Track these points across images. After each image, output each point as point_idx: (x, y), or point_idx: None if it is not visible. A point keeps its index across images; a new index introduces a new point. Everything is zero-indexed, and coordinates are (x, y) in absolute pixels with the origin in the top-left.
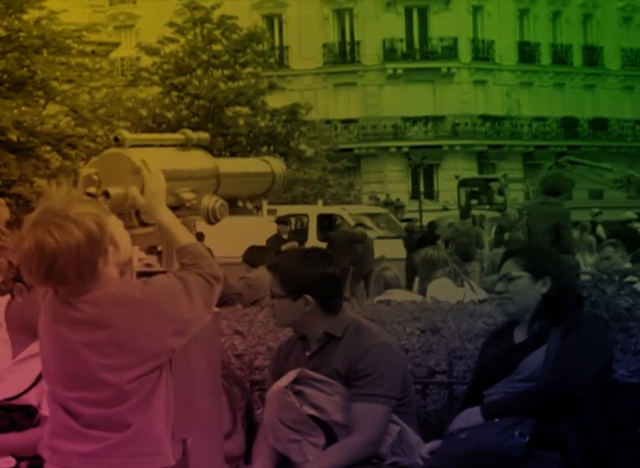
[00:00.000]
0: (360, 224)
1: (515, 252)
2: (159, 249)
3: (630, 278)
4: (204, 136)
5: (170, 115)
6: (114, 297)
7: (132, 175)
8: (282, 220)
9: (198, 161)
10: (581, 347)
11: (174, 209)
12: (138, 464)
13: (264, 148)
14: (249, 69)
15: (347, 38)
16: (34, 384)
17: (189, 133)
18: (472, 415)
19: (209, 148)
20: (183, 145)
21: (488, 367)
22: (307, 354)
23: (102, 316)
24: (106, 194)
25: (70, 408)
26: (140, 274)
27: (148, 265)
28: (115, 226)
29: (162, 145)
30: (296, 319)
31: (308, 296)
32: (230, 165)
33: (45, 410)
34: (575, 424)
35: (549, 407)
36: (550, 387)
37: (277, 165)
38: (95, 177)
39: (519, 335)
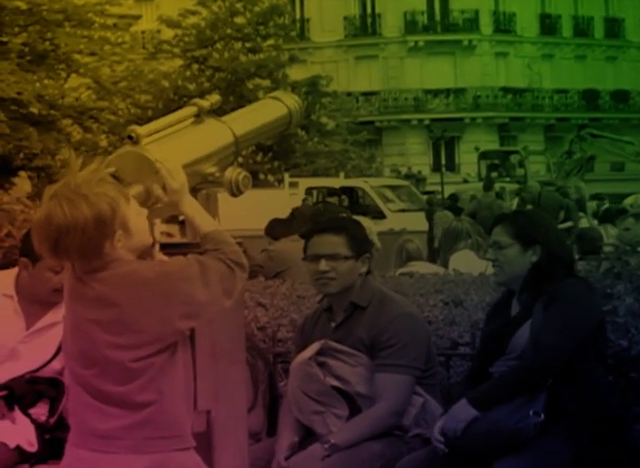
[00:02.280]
0: (382, 197)
1: (505, 217)
2: (181, 218)
3: None
4: (215, 99)
5: (191, 88)
6: (124, 276)
7: (152, 174)
8: (334, 192)
9: (215, 137)
10: (558, 320)
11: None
12: (153, 447)
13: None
14: (270, 42)
15: (368, 10)
16: (55, 356)
17: (201, 102)
18: (461, 411)
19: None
20: (197, 115)
21: (485, 344)
22: (333, 325)
23: (111, 294)
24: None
25: (86, 384)
26: (164, 246)
27: (169, 235)
28: (135, 213)
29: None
30: (354, 280)
31: (369, 255)
32: (246, 121)
33: None
34: (572, 394)
35: (533, 385)
36: (528, 367)
37: (291, 100)
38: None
39: (515, 306)
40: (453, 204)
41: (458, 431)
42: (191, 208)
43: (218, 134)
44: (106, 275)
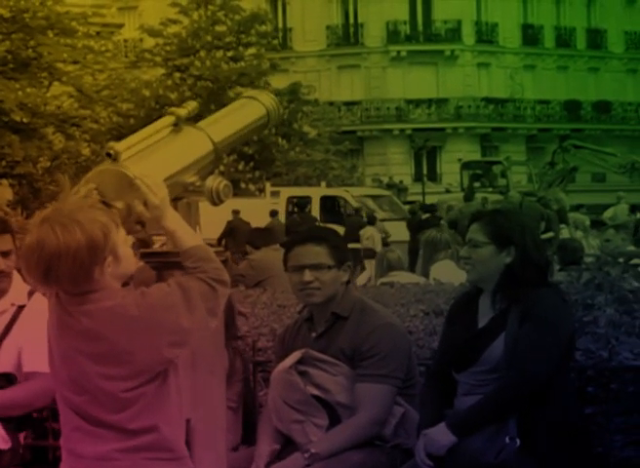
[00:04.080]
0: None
1: (482, 215)
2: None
3: (635, 260)
4: (192, 106)
5: (173, 96)
6: (109, 310)
7: (132, 190)
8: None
9: (194, 147)
10: (537, 343)
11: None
12: (151, 467)
13: (266, 130)
14: (252, 50)
15: (351, 20)
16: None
17: (178, 111)
18: (440, 436)
19: (200, 115)
20: (176, 124)
21: (453, 353)
22: (314, 335)
23: (98, 328)
24: None
25: (78, 409)
26: (143, 255)
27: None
28: (121, 241)
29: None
30: (337, 289)
31: (350, 264)
32: (223, 126)
33: (28, 367)
34: (542, 408)
35: (515, 409)
36: (509, 391)
37: (267, 98)
38: (95, 193)
39: (484, 306)
40: (432, 214)
41: (440, 454)
42: (173, 222)
43: (196, 143)
44: (92, 309)
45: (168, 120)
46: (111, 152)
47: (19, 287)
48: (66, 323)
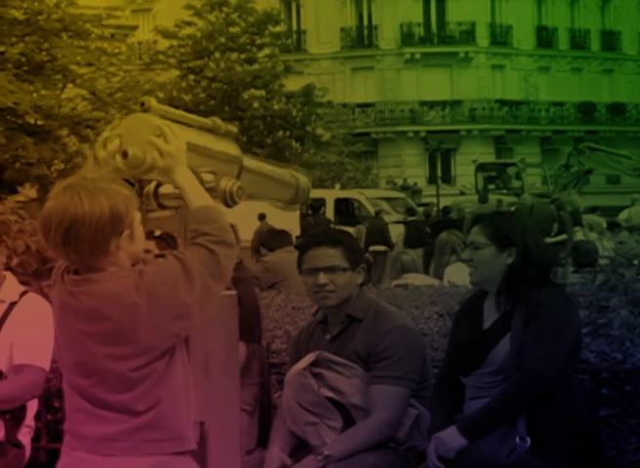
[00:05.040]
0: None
1: (483, 218)
2: (157, 233)
3: None
4: (232, 128)
5: (187, 98)
6: (110, 292)
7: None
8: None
9: (223, 144)
10: (542, 340)
11: None
12: (152, 449)
13: (280, 132)
14: (266, 51)
15: (365, 22)
16: None
17: (218, 121)
18: (451, 439)
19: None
20: (210, 131)
21: (459, 357)
22: (328, 337)
23: (101, 308)
24: (125, 154)
25: (84, 392)
26: (159, 256)
27: (147, 251)
28: (137, 220)
29: (188, 124)
30: (351, 291)
31: (364, 266)
32: (256, 163)
33: (17, 360)
34: (548, 409)
35: (522, 411)
36: (517, 391)
37: (302, 177)
38: (116, 138)
39: (488, 309)
40: (446, 216)
41: (450, 457)
42: (184, 179)
43: (225, 144)
44: (94, 289)
45: (205, 121)
46: (145, 102)
47: (10, 285)
48: (69, 304)
